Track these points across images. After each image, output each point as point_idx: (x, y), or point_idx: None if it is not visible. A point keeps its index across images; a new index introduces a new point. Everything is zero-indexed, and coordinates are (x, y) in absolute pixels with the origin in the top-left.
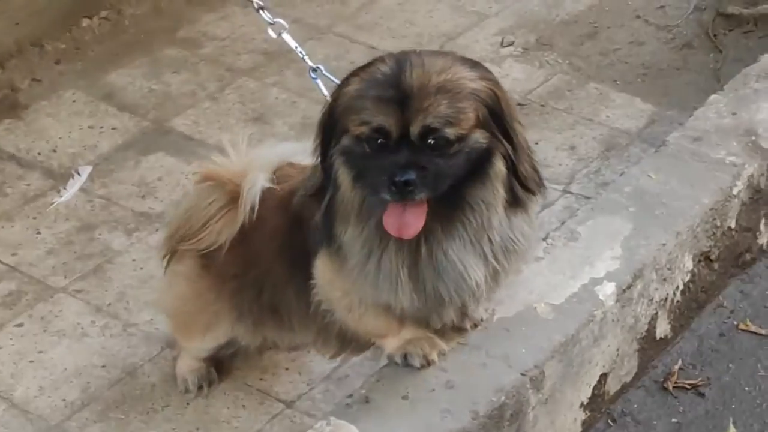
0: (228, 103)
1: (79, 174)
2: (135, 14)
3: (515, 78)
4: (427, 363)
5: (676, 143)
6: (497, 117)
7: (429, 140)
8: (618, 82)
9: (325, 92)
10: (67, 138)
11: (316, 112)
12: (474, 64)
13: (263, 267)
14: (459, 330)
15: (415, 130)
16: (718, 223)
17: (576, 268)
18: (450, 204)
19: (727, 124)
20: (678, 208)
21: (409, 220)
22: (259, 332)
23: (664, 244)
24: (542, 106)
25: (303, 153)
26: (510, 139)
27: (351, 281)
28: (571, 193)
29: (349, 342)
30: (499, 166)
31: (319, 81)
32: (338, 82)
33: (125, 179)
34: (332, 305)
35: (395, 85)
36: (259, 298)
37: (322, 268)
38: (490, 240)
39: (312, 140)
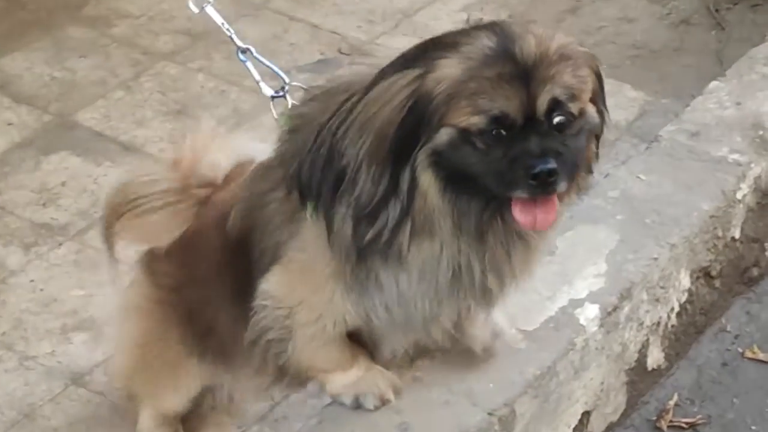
0: (144, 93)
1: None
2: None
3: None
4: (382, 403)
5: (670, 139)
6: (601, 90)
7: (555, 119)
8: (604, 66)
9: (257, 77)
10: None
11: (248, 103)
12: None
13: (205, 289)
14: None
15: (542, 105)
16: (720, 233)
17: (552, 288)
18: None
19: (730, 116)
20: (672, 215)
21: (545, 211)
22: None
23: (656, 259)
24: None
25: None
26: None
27: (337, 307)
28: None
29: (287, 375)
30: (593, 149)
31: (249, 64)
32: (271, 65)
33: (22, 184)
34: (291, 333)
35: (515, 58)
36: (200, 319)
37: (282, 290)
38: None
39: (351, 141)
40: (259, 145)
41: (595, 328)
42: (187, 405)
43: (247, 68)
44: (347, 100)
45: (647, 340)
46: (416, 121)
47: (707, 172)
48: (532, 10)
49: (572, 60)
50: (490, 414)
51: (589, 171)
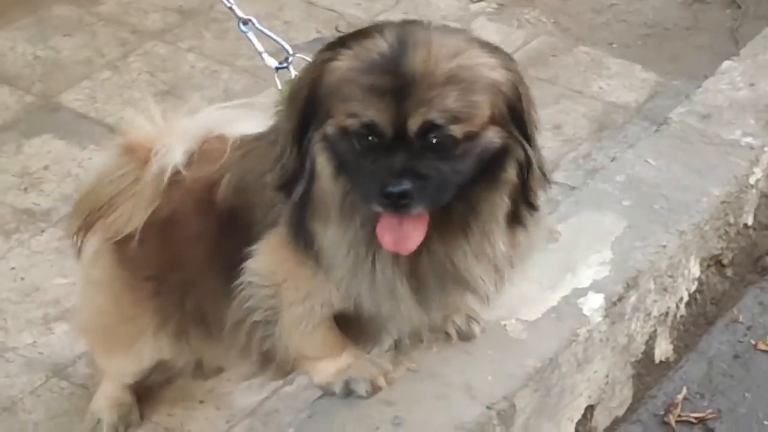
0: (132, 73)
1: None
2: None
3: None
4: (374, 390)
5: (680, 121)
6: (517, 115)
7: (431, 139)
8: (614, 46)
9: (260, 48)
10: None
11: (240, 83)
12: (494, 49)
13: (186, 273)
14: (466, 337)
15: (413, 126)
16: (732, 220)
17: (555, 277)
18: (451, 209)
19: (743, 98)
20: (682, 201)
21: (407, 234)
22: (184, 343)
23: (664, 246)
24: None
25: (240, 118)
26: (528, 142)
27: (321, 285)
28: (555, 182)
29: (271, 362)
30: (511, 174)
31: (251, 34)
32: (275, 37)
33: (4, 168)
34: (277, 314)
35: (393, 71)
36: (182, 304)
37: (268, 267)
38: (492, 251)
39: (278, 115)
40: (227, 113)
41: (600, 319)
42: (139, 376)
43: (249, 39)
44: None
45: (655, 331)
46: (313, 104)
47: (719, 155)
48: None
49: (464, 84)
50: (488, 408)
51: (530, 205)
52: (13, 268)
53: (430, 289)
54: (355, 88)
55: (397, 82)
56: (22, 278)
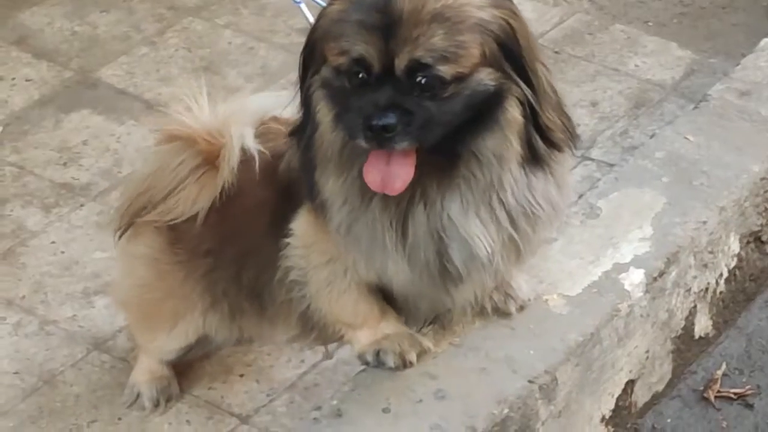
0: (170, 50)
1: None
2: None
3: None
4: (403, 364)
5: (719, 98)
6: (512, 54)
7: (418, 78)
8: (650, 24)
9: (311, 19)
10: None
11: (278, 60)
12: None
13: (245, 244)
14: (503, 314)
15: (401, 63)
16: None
17: (596, 252)
18: (451, 156)
19: None
20: (722, 177)
21: (394, 172)
22: (236, 322)
23: (704, 222)
24: (557, 53)
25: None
26: (529, 82)
27: (336, 244)
28: (592, 159)
29: (312, 327)
30: (514, 114)
31: (303, 5)
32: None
33: (43, 143)
34: (308, 276)
35: (382, 9)
36: (237, 279)
37: (302, 227)
38: (501, 202)
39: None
40: (276, 99)
41: (641, 294)
42: (180, 353)
43: (301, 10)
44: None
45: (695, 306)
46: (311, 51)
47: (758, 132)
48: None
49: (449, 23)
50: (530, 382)
51: (551, 144)
52: (53, 242)
53: (420, 247)
54: (346, 25)
55: (385, 20)
56: (62, 252)
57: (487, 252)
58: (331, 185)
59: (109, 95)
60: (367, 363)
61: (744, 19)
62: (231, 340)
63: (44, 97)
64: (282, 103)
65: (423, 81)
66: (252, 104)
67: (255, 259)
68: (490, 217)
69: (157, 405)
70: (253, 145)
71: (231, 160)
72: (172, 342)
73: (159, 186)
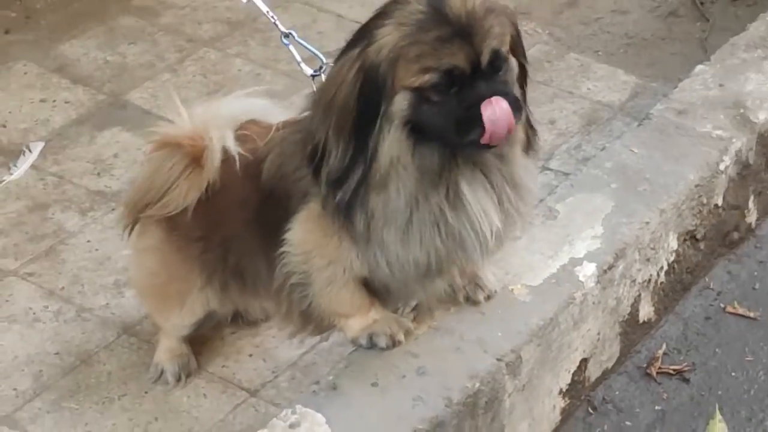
0: (188, 75)
1: (30, 150)
2: None
3: None
4: (393, 344)
5: (660, 116)
6: (518, 42)
7: (497, 65)
8: (600, 53)
9: (299, 58)
10: (18, 112)
11: (281, 84)
12: None
13: (229, 232)
14: (473, 302)
15: (485, 57)
16: (705, 201)
17: (555, 248)
18: None
19: (713, 96)
20: (662, 184)
21: (507, 113)
22: (227, 297)
23: (647, 223)
24: None
25: (265, 110)
26: (524, 71)
27: (344, 254)
28: (551, 169)
29: (311, 321)
30: (522, 99)
31: (291, 47)
32: (312, 49)
33: (79, 156)
34: (310, 277)
35: (445, 19)
36: (224, 260)
37: (299, 236)
38: (506, 182)
39: (315, 127)
40: (258, 101)
41: (593, 284)
42: (192, 328)
43: (290, 50)
44: None
45: (639, 295)
46: (372, 92)
47: (693, 145)
48: (535, 3)
49: (495, 11)
50: (498, 360)
51: (532, 128)
52: (88, 241)
53: (455, 227)
54: (420, 46)
55: (454, 26)
56: (97, 249)
57: (495, 229)
58: (393, 199)
59: (137, 115)
60: (360, 346)
61: (681, 48)
62: (229, 312)
63: (81, 116)
64: (261, 107)
65: (498, 66)
66: (224, 108)
67: (238, 244)
68: (498, 198)
69: (179, 380)
70: (233, 147)
71: (213, 161)
72: (184, 318)
73: (156, 186)
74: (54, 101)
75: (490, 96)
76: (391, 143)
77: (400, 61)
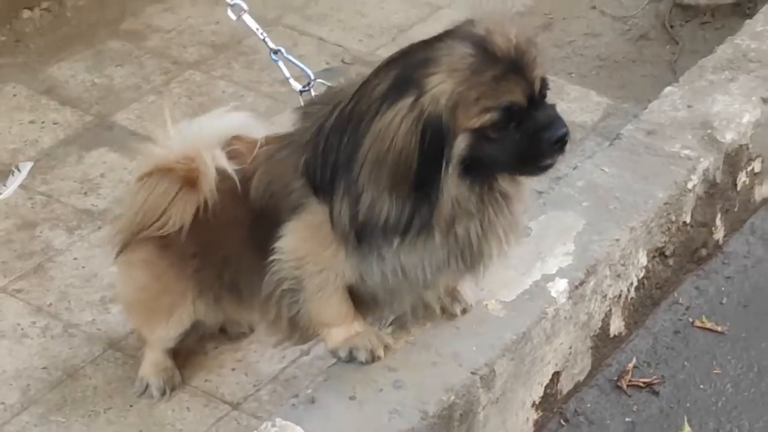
0: (174, 97)
1: (19, 170)
2: (77, 5)
3: None
4: (372, 358)
5: (630, 136)
6: None
7: (544, 92)
8: (573, 75)
9: (287, 74)
10: (7, 133)
11: (263, 105)
12: None
13: (224, 250)
14: (450, 315)
15: (536, 86)
16: (673, 218)
17: (527, 265)
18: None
19: (682, 117)
20: (632, 202)
21: None
22: (220, 308)
23: (617, 240)
24: None
25: (246, 124)
26: None
27: (339, 262)
28: None
29: (297, 329)
30: None
31: (280, 63)
32: (300, 64)
33: (67, 175)
34: (301, 282)
35: (495, 57)
36: (220, 276)
37: (292, 244)
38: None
39: (368, 177)
40: (238, 116)
41: (565, 300)
42: (179, 339)
43: (278, 66)
44: (335, 107)
45: (610, 310)
46: (434, 141)
47: (662, 165)
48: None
49: (531, 40)
50: (473, 373)
51: None
52: (75, 259)
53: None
54: (478, 89)
55: (506, 63)
56: (83, 267)
57: (506, 249)
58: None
59: (123, 136)
60: (339, 358)
61: (651, 71)
62: (218, 323)
63: (69, 137)
64: (244, 121)
65: (545, 92)
66: (209, 127)
67: (234, 262)
68: (516, 219)
69: (163, 393)
70: (228, 166)
71: (209, 182)
72: (170, 330)
73: (151, 211)
74: (43, 122)
75: (549, 123)
76: (451, 185)
77: (459, 106)
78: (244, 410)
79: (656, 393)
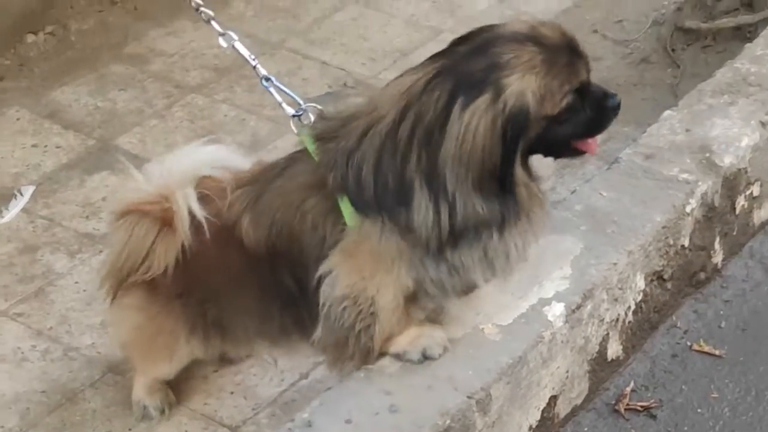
0: (176, 121)
1: (21, 194)
2: (81, 30)
3: None
4: (444, 351)
5: (628, 160)
6: None
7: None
8: None
9: (279, 99)
10: (10, 157)
11: (265, 129)
12: None
13: (205, 292)
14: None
15: (588, 67)
16: (671, 242)
17: (524, 289)
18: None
19: (680, 141)
20: (630, 226)
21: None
22: (209, 343)
23: (615, 264)
24: None
25: (219, 157)
26: None
27: (400, 272)
28: None
29: (360, 351)
30: None
31: (272, 89)
32: (288, 91)
33: (69, 199)
34: (374, 317)
35: (557, 47)
36: (203, 315)
37: (362, 286)
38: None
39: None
40: (210, 150)
41: (561, 324)
42: (177, 373)
43: (271, 93)
44: (370, 127)
45: (607, 334)
46: (514, 135)
47: (660, 189)
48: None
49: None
50: (469, 397)
51: None
52: (76, 282)
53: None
54: (558, 77)
55: (565, 50)
56: (84, 290)
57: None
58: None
59: (125, 159)
60: (410, 360)
61: (652, 94)
62: (214, 357)
63: (71, 161)
64: (208, 155)
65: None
66: (180, 165)
67: (218, 302)
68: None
69: (162, 412)
70: (199, 211)
71: (184, 225)
72: (173, 367)
73: (134, 255)
74: (45, 146)
75: (605, 93)
76: (519, 173)
77: (546, 96)
78: None
79: (654, 417)
